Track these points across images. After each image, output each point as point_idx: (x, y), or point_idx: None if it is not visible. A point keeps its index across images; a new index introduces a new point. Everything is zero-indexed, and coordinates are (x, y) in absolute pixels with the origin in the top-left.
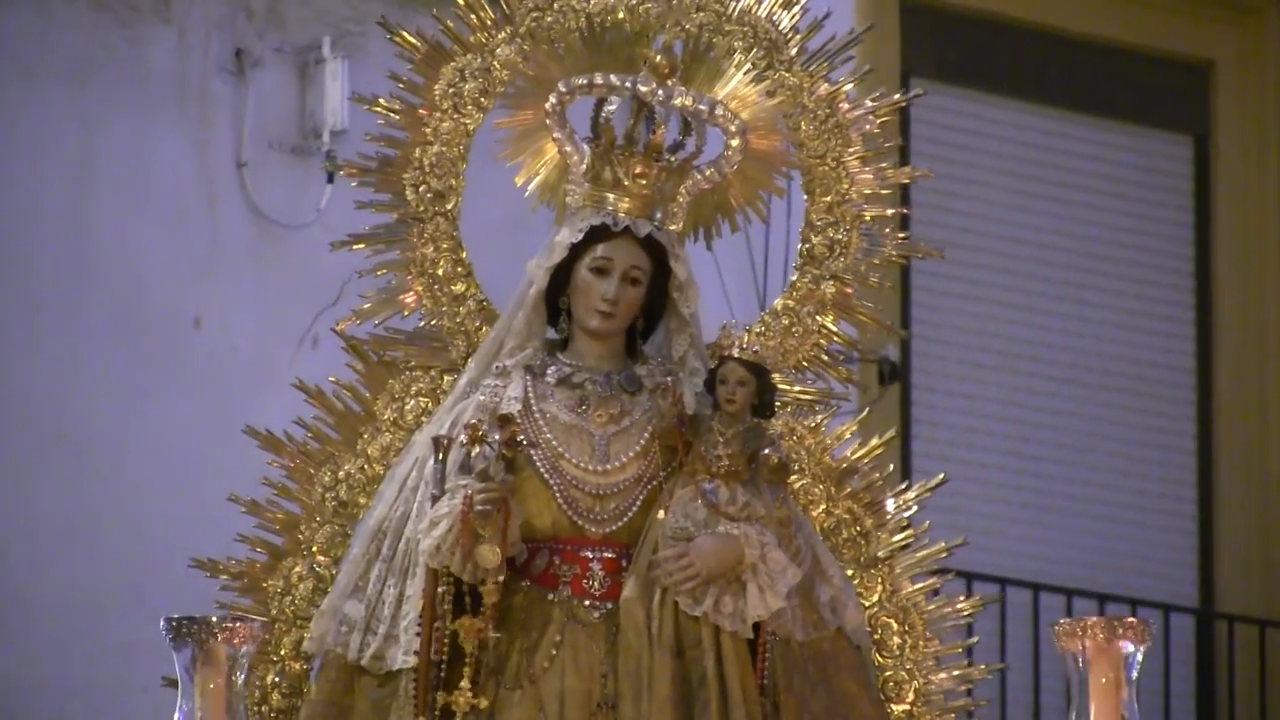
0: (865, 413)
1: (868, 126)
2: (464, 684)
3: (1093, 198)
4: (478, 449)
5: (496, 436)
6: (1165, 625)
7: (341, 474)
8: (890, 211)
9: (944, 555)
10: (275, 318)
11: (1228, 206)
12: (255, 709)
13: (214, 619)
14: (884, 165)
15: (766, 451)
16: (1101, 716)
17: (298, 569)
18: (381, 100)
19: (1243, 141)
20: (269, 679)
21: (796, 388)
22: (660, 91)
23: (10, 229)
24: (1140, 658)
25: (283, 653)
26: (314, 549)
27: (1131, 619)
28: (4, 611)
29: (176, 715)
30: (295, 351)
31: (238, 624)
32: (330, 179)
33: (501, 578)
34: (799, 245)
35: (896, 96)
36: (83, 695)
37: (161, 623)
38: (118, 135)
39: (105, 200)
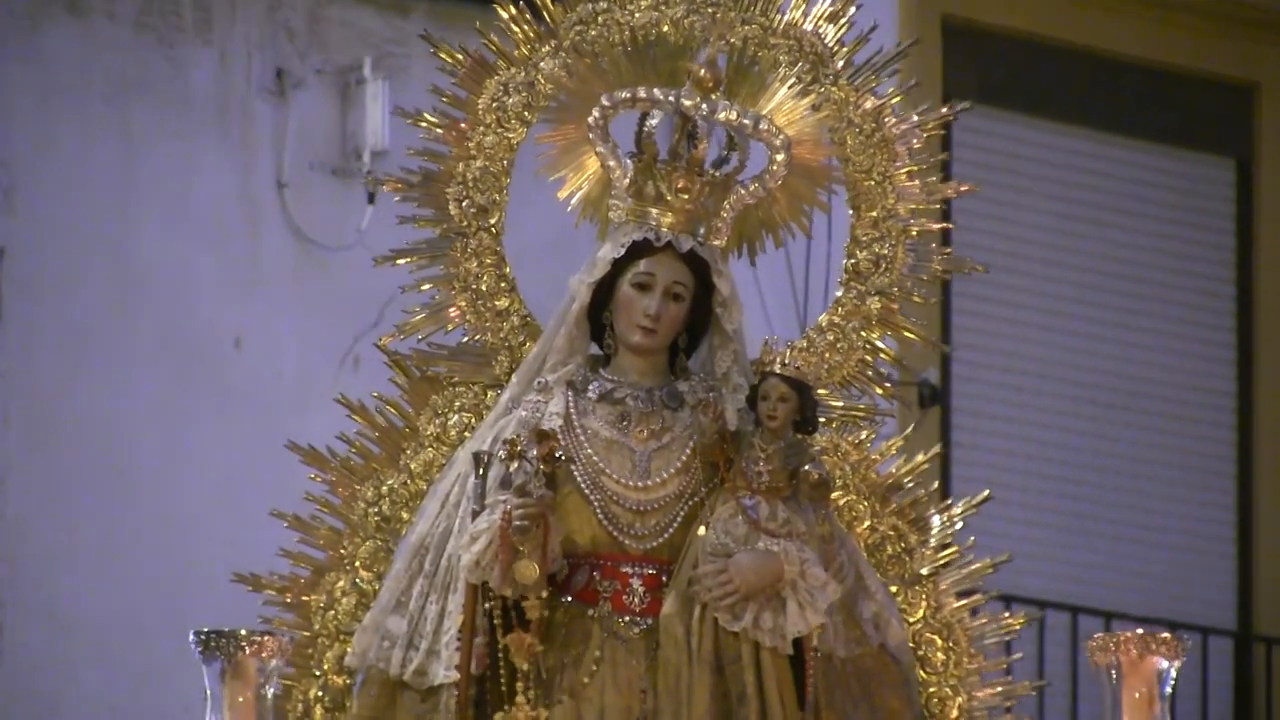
0: (907, 431)
1: (914, 141)
2: (520, 699)
3: (1134, 220)
4: (516, 464)
5: (535, 452)
6: (1204, 648)
7: (384, 489)
8: (936, 226)
9: (989, 572)
10: (316, 338)
11: (1270, 229)
12: None
13: (243, 632)
14: (930, 180)
15: (807, 468)
16: None
17: (341, 584)
18: (425, 115)
19: None
20: (312, 694)
21: (840, 404)
22: (704, 106)
23: (53, 249)
24: (1174, 674)
25: (325, 668)
26: (357, 564)
27: (1165, 634)
28: (49, 630)
29: None
30: (337, 372)
31: (266, 637)
32: (371, 200)
33: (544, 593)
34: (844, 260)
35: (944, 110)
36: (126, 713)
37: (191, 636)
38: (160, 156)
39: (147, 221)
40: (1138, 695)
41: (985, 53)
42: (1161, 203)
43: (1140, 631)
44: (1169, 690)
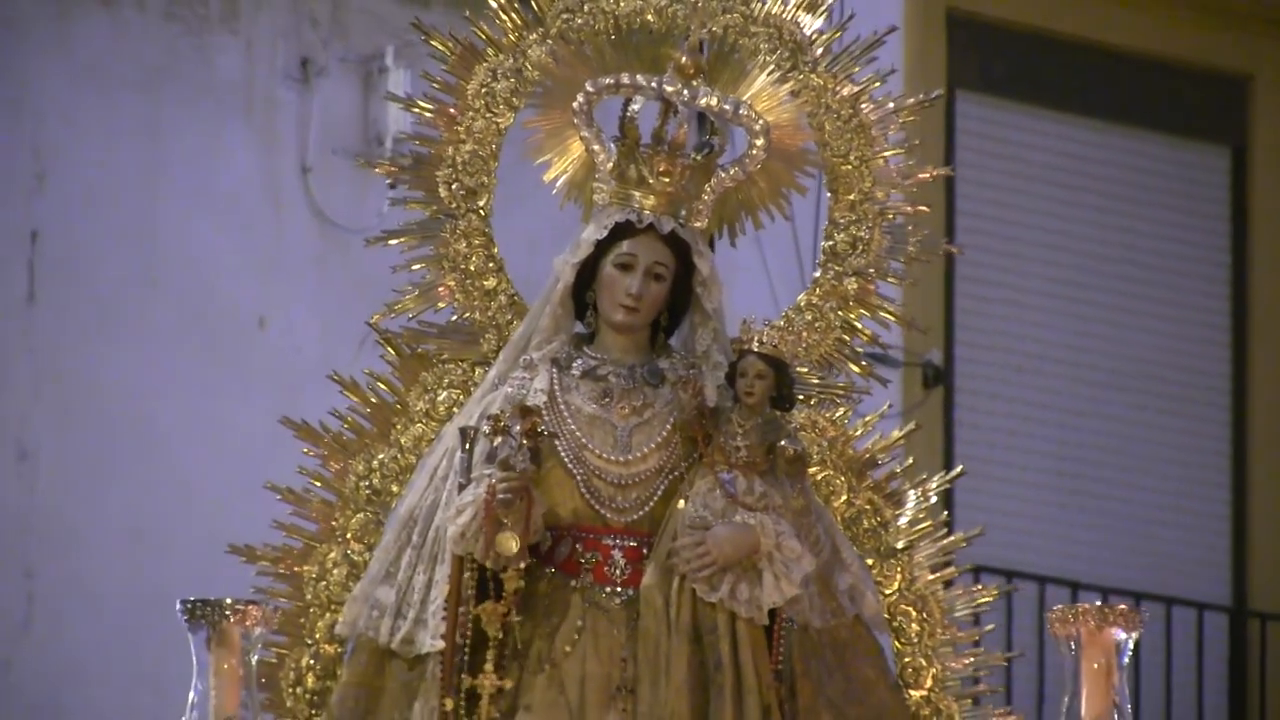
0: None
1: (891, 127)
2: (487, 667)
3: (1133, 207)
4: (501, 439)
5: (519, 427)
6: (1199, 623)
7: (375, 463)
8: (909, 208)
9: (962, 545)
10: (337, 318)
11: (1264, 216)
12: (290, 690)
13: (228, 601)
14: (907, 164)
15: (784, 443)
16: (1094, 700)
17: (332, 555)
18: (417, 100)
19: (1279, 152)
20: (304, 661)
21: (818, 381)
22: (686, 92)
23: (84, 231)
24: (1131, 644)
25: (317, 636)
26: (348, 536)
27: (1122, 606)
28: (77, 603)
29: (191, 694)
30: (357, 351)
31: (250, 606)
32: (392, 185)
33: (523, 564)
34: (823, 242)
35: (917, 98)
36: (152, 683)
37: (177, 605)
38: (187, 141)
39: (174, 205)
40: (1096, 665)
41: (988, 44)
42: (1159, 189)
43: (1098, 604)
44: (1125, 660)
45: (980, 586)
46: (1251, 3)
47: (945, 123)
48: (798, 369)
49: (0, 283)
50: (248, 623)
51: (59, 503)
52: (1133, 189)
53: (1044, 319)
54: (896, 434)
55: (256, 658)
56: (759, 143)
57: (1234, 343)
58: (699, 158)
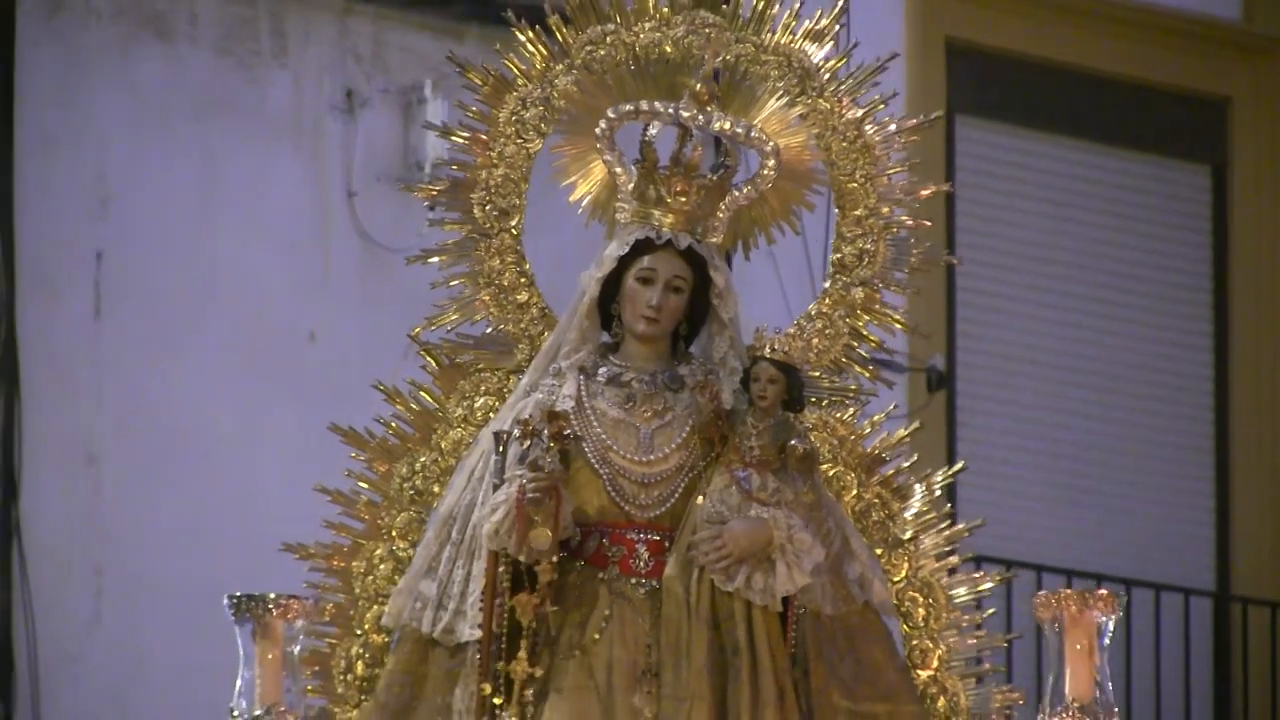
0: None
1: (894, 147)
2: (521, 655)
3: (1120, 222)
4: (531, 442)
5: (548, 431)
6: (1185, 607)
7: (418, 466)
8: (911, 223)
9: (965, 536)
10: (381, 332)
11: (1242, 229)
12: (341, 677)
13: (272, 596)
14: (910, 181)
15: (794, 443)
16: (1076, 680)
17: (379, 551)
18: (453, 128)
19: (1256, 171)
20: (354, 650)
21: (829, 384)
22: (701, 117)
23: (142, 254)
24: (1111, 626)
25: (366, 627)
26: (393, 533)
27: (1102, 591)
28: (139, 599)
29: (238, 682)
30: (399, 363)
31: (292, 600)
32: (431, 207)
33: (555, 558)
34: (831, 255)
35: (918, 120)
36: (213, 674)
37: (225, 600)
38: (239, 168)
39: (228, 227)
40: (1079, 646)
41: (984, 70)
42: (1144, 206)
43: (1079, 589)
44: (1106, 642)
45: (981, 574)
46: (1229, 32)
47: (945, 144)
48: (809, 373)
49: (68, 301)
50: (290, 616)
51: (124, 505)
52: (1120, 205)
53: (1039, 326)
54: (902, 432)
55: (310, 647)
56: (770, 163)
57: (1215, 347)
58: (714, 178)
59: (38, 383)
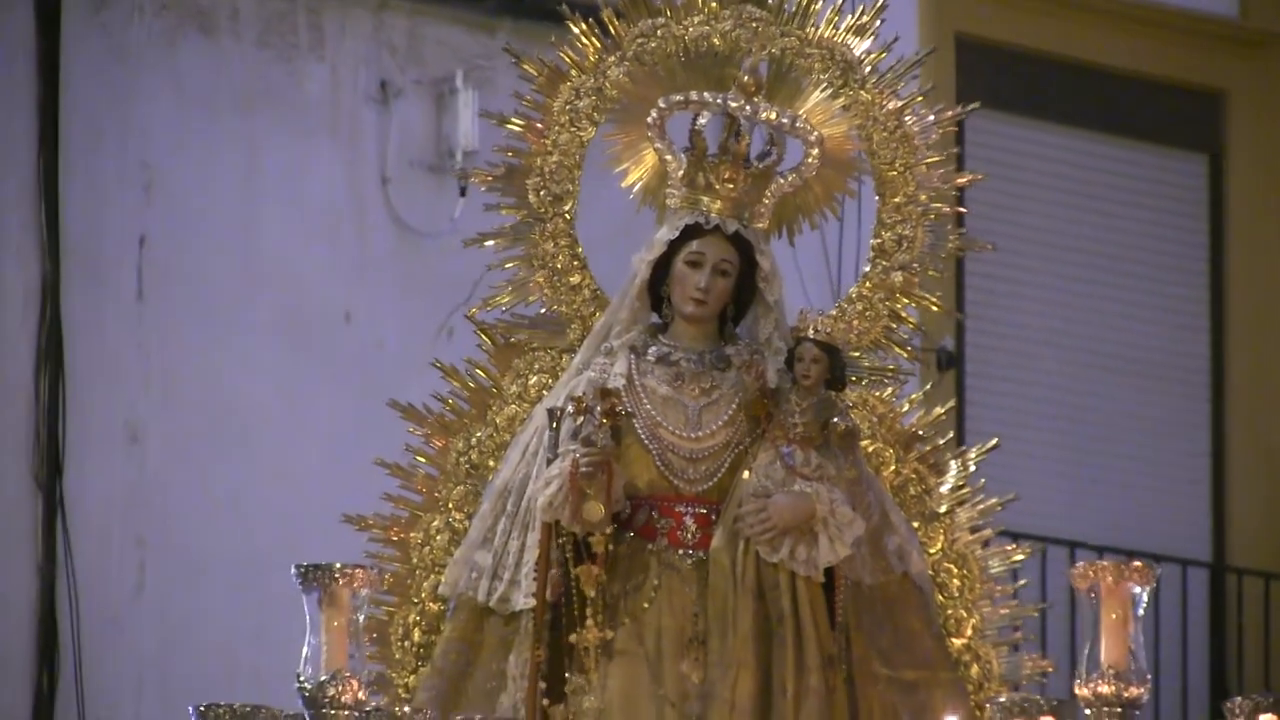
0: (926, 387)
1: (932, 136)
2: (589, 622)
3: (1122, 209)
4: (584, 418)
5: (600, 407)
6: (1183, 577)
7: (474, 440)
8: (948, 210)
9: (998, 509)
10: (415, 314)
11: (1238, 216)
12: (399, 644)
13: (338, 565)
14: (946, 170)
15: (836, 420)
16: (1111, 647)
17: (435, 523)
18: (508, 117)
19: (1252, 159)
20: (411, 618)
21: (869, 364)
22: (748, 107)
23: (186, 239)
24: (1145, 597)
25: (423, 595)
26: (450, 506)
27: (1138, 563)
28: (185, 571)
29: (305, 649)
30: (433, 343)
31: (357, 570)
32: (463, 193)
33: (608, 530)
34: (871, 240)
35: (959, 109)
36: (253, 641)
37: (292, 570)
38: (278, 157)
39: (268, 213)
40: (1114, 616)
41: (992, 64)
42: (1144, 193)
43: (1115, 561)
44: (1141, 612)
45: (1014, 545)
46: (1227, 27)
47: (956, 135)
48: (850, 353)
49: (112, 283)
50: (355, 585)
51: (166, 480)
52: (1122, 192)
53: (1044, 309)
54: (939, 410)
55: (366, 615)
56: (814, 152)
57: (1212, 329)
58: (760, 166)
59: (82, 363)
